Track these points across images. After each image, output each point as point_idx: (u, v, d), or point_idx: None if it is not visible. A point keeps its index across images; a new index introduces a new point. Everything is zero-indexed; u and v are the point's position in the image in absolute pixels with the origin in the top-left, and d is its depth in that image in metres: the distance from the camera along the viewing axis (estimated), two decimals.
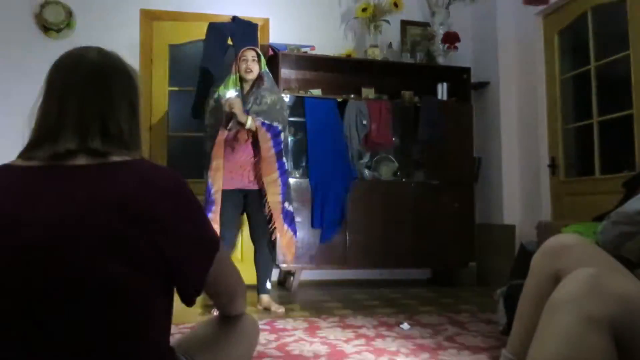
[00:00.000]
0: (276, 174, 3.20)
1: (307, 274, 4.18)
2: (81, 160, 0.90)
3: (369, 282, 4.33)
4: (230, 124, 3.13)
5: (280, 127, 3.24)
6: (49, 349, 0.82)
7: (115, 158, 0.91)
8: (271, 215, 3.19)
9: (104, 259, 0.82)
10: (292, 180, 3.93)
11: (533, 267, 1.43)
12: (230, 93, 3.17)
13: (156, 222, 0.86)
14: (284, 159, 3.29)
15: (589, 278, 1.04)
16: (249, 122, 3.12)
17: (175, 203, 0.89)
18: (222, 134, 3.15)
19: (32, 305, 0.81)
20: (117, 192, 0.86)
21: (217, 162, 3.14)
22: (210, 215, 3.07)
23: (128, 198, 0.86)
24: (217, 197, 3.12)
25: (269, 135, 3.18)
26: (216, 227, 3.06)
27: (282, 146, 3.26)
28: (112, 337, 0.84)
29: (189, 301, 0.95)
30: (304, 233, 3.98)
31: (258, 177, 3.20)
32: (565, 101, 4.18)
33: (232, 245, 3.27)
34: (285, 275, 4.19)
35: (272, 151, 3.19)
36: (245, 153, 3.21)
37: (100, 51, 1.00)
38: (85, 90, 0.93)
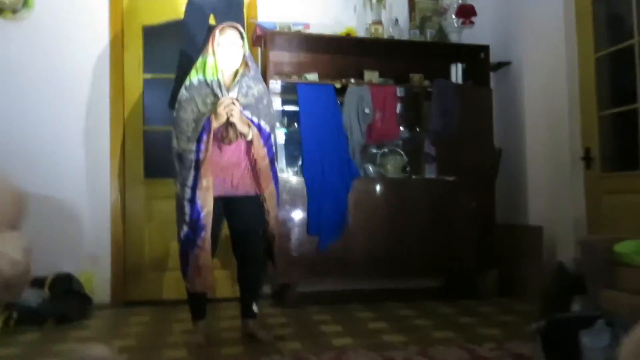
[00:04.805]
0: (272, 184, 2.86)
1: (304, 286, 3.72)
2: None
3: (375, 294, 3.86)
4: (229, 134, 2.67)
5: (268, 129, 2.82)
6: None
7: None
8: (270, 232, 2.92)
9: None
10: (284, 180, 3.61)
11: None
12: (231, 94, 2.69)
13: None
14: (276, 165, 2.95)
15: None
16: (251, 134, 2.71)
17: None
18: (211, 147, 2.65)
19: None
20: None
21: (208, 181, 2.67)
22: (198, 242, 2.64)
23: None
24: (208, 220, 2.66)
25: (262, 141, 2.77)
26: (207, 257, 2.65)
27: (274, 150, 2.90)
28: None
29: None
30: (300, 240, 3.63)
31: (241, 183, 2.80)
32: (602, 83, 3.70)
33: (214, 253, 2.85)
34: (281, 288, 3.74)
35: (267, 159, 2.81)
36: (230, 155, 2.76)
37: None
38: None
